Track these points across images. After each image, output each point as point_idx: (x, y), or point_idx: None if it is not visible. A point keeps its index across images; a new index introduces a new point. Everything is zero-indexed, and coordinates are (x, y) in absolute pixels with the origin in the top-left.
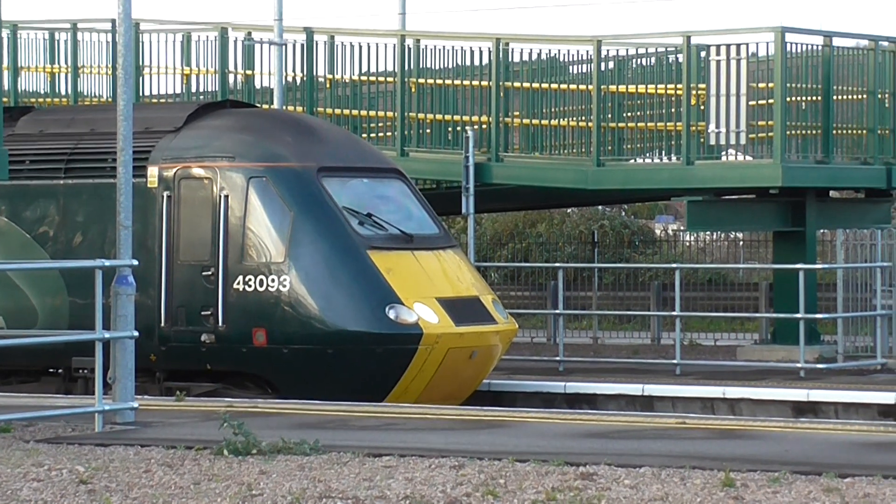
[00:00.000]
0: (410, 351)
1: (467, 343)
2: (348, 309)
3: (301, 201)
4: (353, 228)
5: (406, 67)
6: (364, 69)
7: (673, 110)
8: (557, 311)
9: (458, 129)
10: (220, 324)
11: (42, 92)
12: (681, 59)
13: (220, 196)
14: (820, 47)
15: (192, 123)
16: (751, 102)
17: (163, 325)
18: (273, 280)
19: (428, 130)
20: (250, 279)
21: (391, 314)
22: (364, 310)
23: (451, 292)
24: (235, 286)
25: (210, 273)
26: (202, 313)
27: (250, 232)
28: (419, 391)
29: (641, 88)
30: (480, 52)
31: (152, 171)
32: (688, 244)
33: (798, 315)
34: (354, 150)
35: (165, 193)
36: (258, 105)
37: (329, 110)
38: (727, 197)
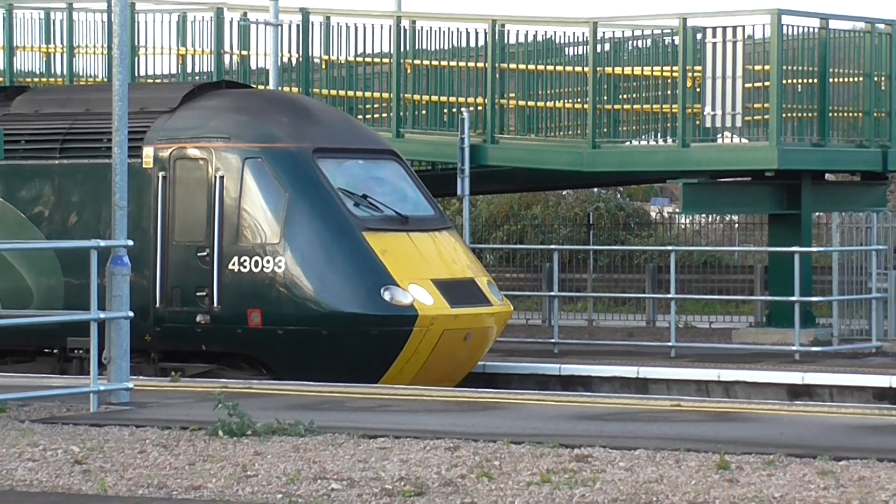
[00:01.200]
0: (405, 332)
1: (462, 325)
2: (343, 290)
3: (296, 182)
4: (348, 209)
5: (402, 49)
6: (360, 50)
7: (669, 92)
8: (552, 294)
9: (454, 110)
10: (215, 304)
11: (37, 72)
12: (677, 42)
13: (215, 177)
14: (816, 29)
15: (188, 104)
16: (747, 85)
17: (158, 305)
18: (268, 261)
19: (423, 112)
20: (245, 260)
21: (386, 295)
22: (359, 291)
23: (446, 274)
24: (230, 267)
25: (205, 254)
26: (197, 294)
27: (245, 213)
28: (414, 373)
29: (637, 70)
30: (476, 34)
31: (147, 152)
32: (683, 226)
33: (793, 298)
34: (350, 132)
35: (161, 174)
36: (254, 86)
37: (325, 91)
38: (723, 179)
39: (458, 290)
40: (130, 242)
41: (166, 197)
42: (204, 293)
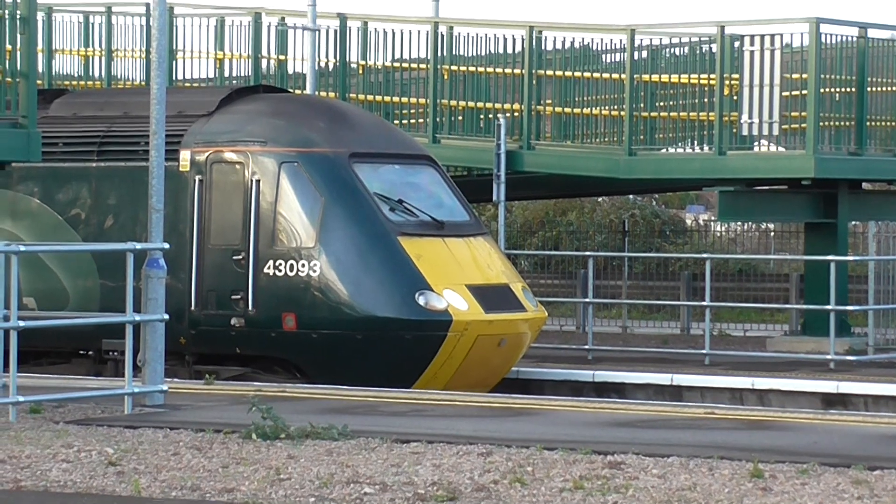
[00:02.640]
0: (440, 337)
1: (496, 330)
2: (378, 295)
3: (332, 187)
4: (383, 214)
5: (439, 54)
6: (397, 55)
7: (706, 100)
8: (587, 300)
9: (490, 116)
10: (250, 308)
11: (76, 75)
12: (714, 49)
13: (251, 180)
14: (855, 38)
15: (225, 108)
16: (784, 93)
17: (193, 308)
18: (303, 265)
19: (460, 118)
20: (280, 264)
21: (421, 300)
22: (394, 296)
23: (480, 279)
24: (266, 270)
25: (241, 257)
26: (232, 297)
27: (281, 217)
28: (448, 378)
29: (674, 78)
30: (513, 40)
31: (184, 155)
32: (718, 234)
33: (829, 307)
34: (386, 137)
35: (197, 177)
36: (291, 90)
37: (361, 96)
38: (759, 188)
39: (492, 296)
40: (166, 245)
41: (202, 200)
42: (239, 296)
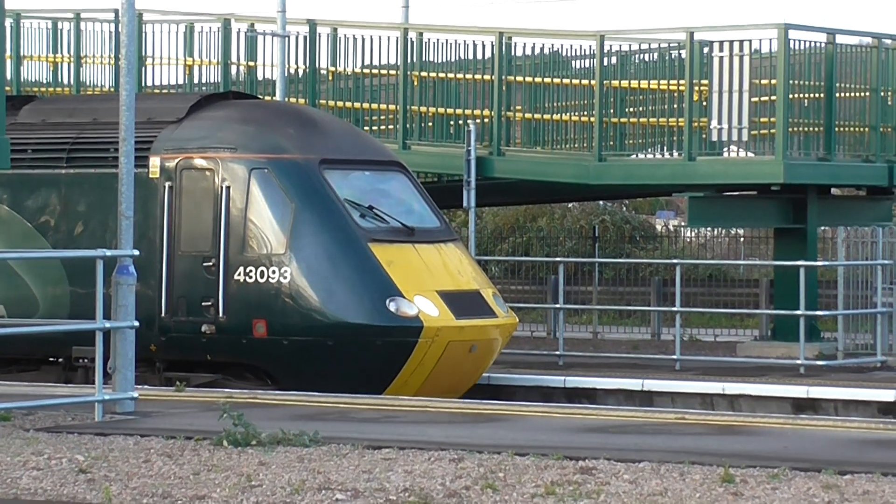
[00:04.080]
0: (411, 344)
1: (467, 336)
2: (349, 301)
3: (303, 193)
4: (354, 221)
5: (409, 60)
6: (367, 62)
7: (675, 106)
8: (557, 306)
9: (460, 122)
10: (221, 314)
11: (45, 81)
12: (683, 55)
13: (221, 187)
14: (823, 44)
15: (195, 114)
16: (753, 99)
17: (163, 315)
18: (274, 271)
19: (430, 124)
20: (251, 270)
21: (392, 307)
22: (365, 302)
23: (451, 285)
24: (236, 277)
25: (211, 264)
26: (203, 304)
27: (252, 223)
28: (419, 384)
29: (644, 84)
30: (483, 46)
31: (154, 162)
32: (688, 240)
33: (798, 312)
34: (356, 143)
35: (167, 184)
36: (260, 97)
37: (331, 102)
38: (728, 193)
39: (463, 302)
40: (136, 252)
41: (172, 207)
42: (209, 303)
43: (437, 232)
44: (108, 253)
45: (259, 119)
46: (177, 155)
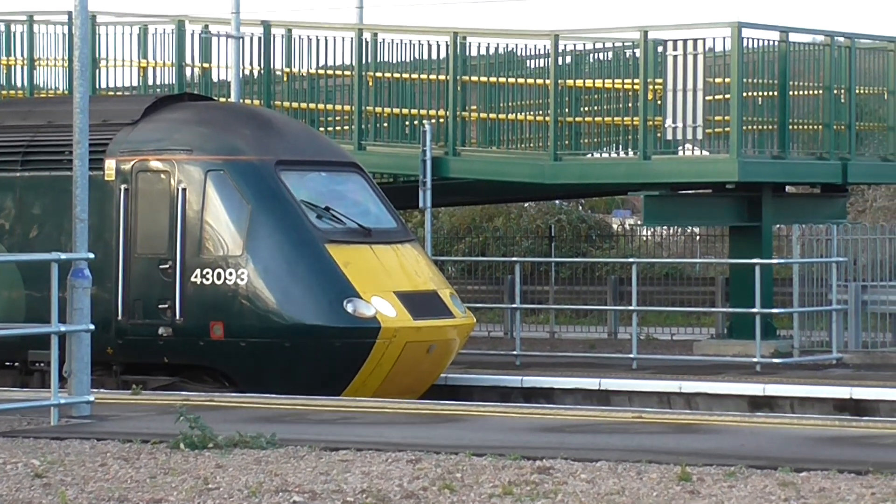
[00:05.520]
0: (368, 345)
1: (425, 337)
2: (306, 302)
3: (259, 194)
4: (310, 222)
5: (363, 61)
6: (321, 63)
7: (630, 105)
8: (514, 306)
9: (416, 123)
10: (178, 317)
11: None
12: (638, 54)
13: (177, 189)
14: (776, 43)
15: (150, 116)
16: (707, 97)
17: (120, 318)
18: (231, 273)
19: (385, 124)
20: (208, 272)
21: (349, 308)
22: (322, 303)
23: (408, 286)
24: (193, 279)
25: (167, 266)
26: (159, 306)
27: (208, 225)
28: (377, 385)
29: (598, 83)
30: (438, 46)
31: (109, 164)
32: (644, 238)
33: (754, 310)
34: (312, 144)
35: (123, 186)
36: (215, 98)
37: (286, 104)
38: (684, 192)
39: (420, 303)
40: (91, 255)
41: (128, 209)
42: (166, 305)
43: (393, 233)
44: (63, 256)
45: (214, 121)
46: (132, 157)
